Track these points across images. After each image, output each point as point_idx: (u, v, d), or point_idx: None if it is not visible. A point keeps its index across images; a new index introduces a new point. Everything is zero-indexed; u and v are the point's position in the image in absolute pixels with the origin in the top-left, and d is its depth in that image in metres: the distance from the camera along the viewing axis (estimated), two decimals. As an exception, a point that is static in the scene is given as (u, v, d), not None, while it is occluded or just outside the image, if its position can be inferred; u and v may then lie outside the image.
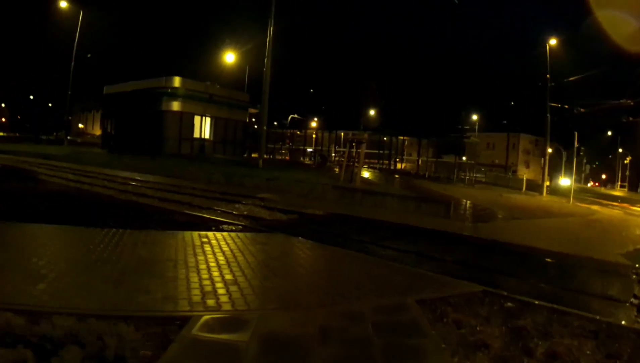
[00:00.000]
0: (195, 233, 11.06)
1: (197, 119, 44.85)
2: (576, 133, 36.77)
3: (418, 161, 54.04)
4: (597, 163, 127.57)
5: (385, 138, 48.97)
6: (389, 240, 13.54)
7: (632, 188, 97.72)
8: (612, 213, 31.54)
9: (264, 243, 10.52)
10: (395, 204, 20.56)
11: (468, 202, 23.48)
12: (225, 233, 11.71)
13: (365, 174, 35.91)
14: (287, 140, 67.98)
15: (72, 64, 55.29)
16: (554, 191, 46.07)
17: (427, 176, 44.48)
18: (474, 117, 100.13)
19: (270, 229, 13.76)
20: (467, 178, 44.98)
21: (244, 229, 13.66)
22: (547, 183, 43.53)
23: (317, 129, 72.00)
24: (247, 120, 51.07)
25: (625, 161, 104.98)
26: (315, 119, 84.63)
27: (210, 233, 11.40)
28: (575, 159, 37.13)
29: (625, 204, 43.01)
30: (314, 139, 64.37)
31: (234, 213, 17.30)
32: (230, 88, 49.58)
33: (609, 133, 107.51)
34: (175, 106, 42.88)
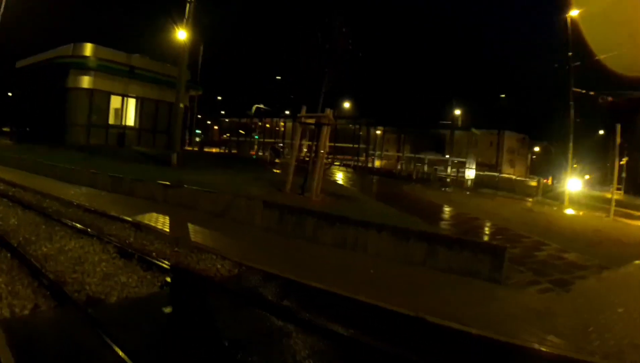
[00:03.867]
0: None
1: (115, 100, 33.92)
2: (618, 126, 26.91)
3: (400, 157, 45.13)
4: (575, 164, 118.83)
5: (360, 130, 39.84)
6: None
7: (629, 191, 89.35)
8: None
9: None
10: (384, 245, 10.31)
11: (502, 227, 13.70)
12: None
13: (338, 175, 26.12)
14: (252, 132, 58.84)
15: None
16: (558, 197, 36.03)
17: (414, 177, 34.45)
18: (457, 112, 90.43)
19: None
20: (465, 181, 35.40)
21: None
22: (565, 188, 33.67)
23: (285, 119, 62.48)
24: (187, 103, 40.22)
25: (622, 162, 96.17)
26: (287, 111, 74.53)
27: None
28: (617, 159, 27.38)
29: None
30: (281, 131, 55.26)
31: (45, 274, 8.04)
32: (163, 62, 37.74)
33: (601, 132, 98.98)
34: (85, 81, 32.10)
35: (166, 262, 9.22)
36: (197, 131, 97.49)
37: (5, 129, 50.15)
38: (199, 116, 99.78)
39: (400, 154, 44.77)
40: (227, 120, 67.77)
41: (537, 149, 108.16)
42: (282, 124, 54.66)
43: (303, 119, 15.06)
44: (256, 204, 12.65)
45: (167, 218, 13.34)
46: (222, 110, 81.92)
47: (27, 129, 37.98)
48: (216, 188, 14.91)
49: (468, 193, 28.83)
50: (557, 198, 33.57)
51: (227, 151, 50.94)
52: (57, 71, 32.80)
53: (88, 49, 32.05)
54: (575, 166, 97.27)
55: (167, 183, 15.80)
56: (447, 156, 47.45)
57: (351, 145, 41.45)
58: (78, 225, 11.89)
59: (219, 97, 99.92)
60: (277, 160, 35.82)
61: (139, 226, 12.20)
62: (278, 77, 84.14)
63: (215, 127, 79.61)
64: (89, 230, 11.48)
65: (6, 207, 13.98)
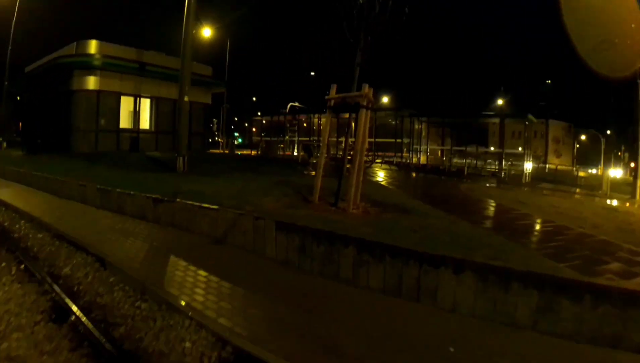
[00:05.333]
0: None
1: (125, 101, 30.33)
2: None
3: (445, 151, 41.08)
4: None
5: (402, 122, 35.63)
6: None
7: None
8: None
9: None
10: (466, 294, 6.23)
11: (601, 240, 9.58)
12: None
13: (381, 175, 22.36)
14: (286, 130, 55.21)
15: (9, 48, 42.49)
16: (619, 189, 31.34)
17: (466, 173, 30.29)
18: (499, 102, 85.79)
19: None
20: (523, 175, 31.10)
21: None
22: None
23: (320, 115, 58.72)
24: (209, 101, 36.68)
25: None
26: (325, 111, 70.72)
27: None
28: None
29: None
30: (316, 129, 51.32)
31: None
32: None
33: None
34: (91, 82, 28.65)
35: (109, 334, 5.72)
36: (236, 134, 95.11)
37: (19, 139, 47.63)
38: (236, 119, 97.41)
39: (448, 148, 40.58)
40: (260, 120, 64.26)
41: (583, 137, 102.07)
42: (316, 120, 50.76)
43: (333, 102, 10.96)
44: (267, 226, 8.72)
45: (147, 246, 9.67)
46: (259, 111, 78.76)
47: (38, 137, 34.92)
48: (221, 200, 11.03)
49: (531, 189, 24.69)
50: (620, 190, 29.28)
51: (258, 152, 47.83)
52: (60, 72, 29.57)
53: (92, 46, 28.60)
54: (619, 153, 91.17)
55: (158, 196, 12.09)
56: (492, 148, 43.65)
57: (393, 140, 37.30)
58: (24, 265, 8.96)
59: (254, 98, 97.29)
60: (312, 160, 31.79)
61: (103, 262, 8.72)
62: (312, 73, 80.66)
63: (254, 129, 76.57)
64: (36, 272, 8.46)
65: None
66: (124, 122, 30.52)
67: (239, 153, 51.25)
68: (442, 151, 42.96)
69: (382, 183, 19.33)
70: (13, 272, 8.54)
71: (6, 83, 43.67)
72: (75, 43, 29.16)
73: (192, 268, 8.04)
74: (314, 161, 28.33)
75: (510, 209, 13.96)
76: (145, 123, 31.97)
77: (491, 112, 54.40)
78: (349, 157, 10.81)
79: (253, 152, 50.70)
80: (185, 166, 18.54)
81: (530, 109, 60.55)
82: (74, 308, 6.73)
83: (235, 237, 9.41)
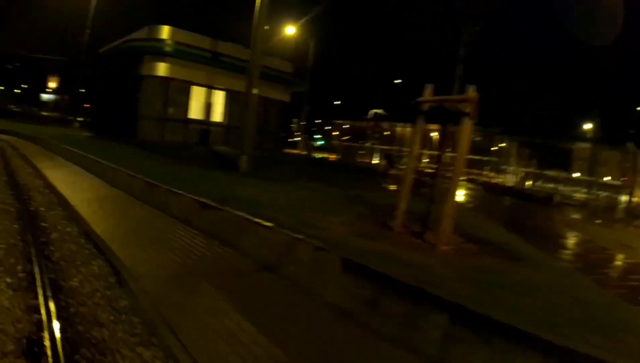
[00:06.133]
0: None
1: (197, 91, 28.94)
2: None
3: (529, 174, 38.69)
4: None
5: (492, 140, 33.51)
6: None
7: None
8: None
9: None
10: None
11: None
12: None
13: (465, 195, 20.32)
14: (368, 137, 53.25)
15: (87, 31, 42.79)
16: None
17: (555, 201, 27.63)
18: (588, 125, 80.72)
19: None
20: (617, 209, 28.17)
21: None
22: None
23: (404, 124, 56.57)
24: (288, 99, 34.98)
25: None
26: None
27: None
28: None
29: None
30: (398, 137, 49.17)
31: None
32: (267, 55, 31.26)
33: None
34: (161, 69, 27.40)
35: None
36: (317, 136, 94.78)
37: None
38: (318, 121, 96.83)
39: (537, 171, 38.04)
40: (342, 124, 62.68)
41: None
42: (399, 129, 48.48)
43: (427, 105, 8.69)
44: (329, 262, 6.50)
45: (179, 262, 7.73)
46: (342, 115, 77.61)
47: (106, 120, 34.36)
48: (278, 214, 8.94)
49: (633, 228, 21.97)
50: None
51: (337, 157, 46.01)
52: (131, 56, 28.72)
53: (165, 31, 27.38)
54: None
55: (205, 200, 10.14)
56: (579, 174, 41.76)
57: (478, 157, 35.06)
58: (32, 267, 7.65)
59: (338, 102, 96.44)
60: (392, 171, 29.26)
61: (119, 277, 7.24)
62: (398, 80, 78.56)
63: (334, 132, 75.59)
64: (38, 280, 7.01)
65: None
66: (194, 113, 29.25)
67: (317, 155, 49.60)
68: (526, 173, 40.54)
69: (470, 206, 17.02)
70: (16, 273, 7.28)
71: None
72: (147, 27, 28.16)
73: (224, 306, 5.99)
74: (395, 173, 26.01)
75: (622, 258, 11.56)
76: (217, 116, 30.61)
77: (585, 137, 51.52)
78: (449, 175, 8.48)
79: (332, 156, 49.07)
80: (250, 166, 16.67)
81: (623, 137, 56.78)
82: (58, 343, 5.08)
83: (289, 267, 7.22)
